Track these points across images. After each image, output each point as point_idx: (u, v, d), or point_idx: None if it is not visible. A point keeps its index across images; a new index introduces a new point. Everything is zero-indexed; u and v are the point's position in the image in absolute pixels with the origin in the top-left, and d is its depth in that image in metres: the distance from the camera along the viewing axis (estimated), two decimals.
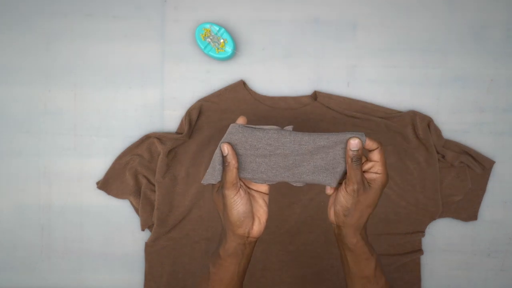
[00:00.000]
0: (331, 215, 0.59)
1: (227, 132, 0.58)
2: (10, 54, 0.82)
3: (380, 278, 0.59)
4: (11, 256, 0.83)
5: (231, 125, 0.58)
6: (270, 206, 0.80)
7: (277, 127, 0.59)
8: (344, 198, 0.56)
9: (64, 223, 0.82)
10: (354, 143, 0.55)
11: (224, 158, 0.57)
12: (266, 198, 0.61)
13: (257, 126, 0.59)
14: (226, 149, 0.56)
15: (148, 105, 0.82)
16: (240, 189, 0.57)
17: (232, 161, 0.56)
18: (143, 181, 0.80)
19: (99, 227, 0.82)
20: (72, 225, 0.82)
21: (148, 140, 0.80)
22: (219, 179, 0.58)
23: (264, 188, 0.61)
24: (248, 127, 0.58)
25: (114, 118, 0.82)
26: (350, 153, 0.55)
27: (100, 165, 0.82)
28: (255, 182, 0.60)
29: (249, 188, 0.60)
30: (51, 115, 0.82)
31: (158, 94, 0.82)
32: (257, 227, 0.58)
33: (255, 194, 0.60)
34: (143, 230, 0.81)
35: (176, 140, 0.79)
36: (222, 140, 0.58)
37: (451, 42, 0.82)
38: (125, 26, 0.82)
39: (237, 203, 0.56)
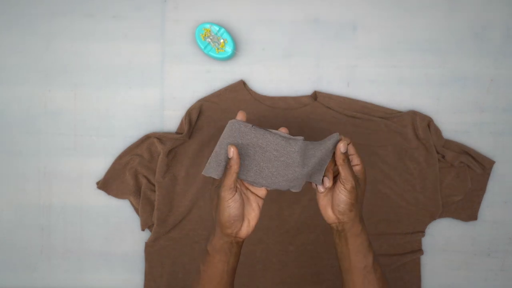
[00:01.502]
0: (330, 217, 0.60)
1: (238, 130, 0.57)
2: (10, 54, 0.82)
3: (378, 268, 0.61)
4: (11, 256, 0.83)
5: (243, 123, 0.58)
6: (271, 206, 0.80)
7: (287, 134, 0.59)
8: (346, 196, 0.58)
9: (64, 223, 0.82)
10: (344, 145, 0.58)
11: (228, 159, 0.57)
12: (261, 202, 0.61)
13: (272, 130, 0.59)
14: (232, 152, 0.56)
15: (148, 105, 0.82)
16: (236, 193, 0.57)
17: (234, 166, 0.56)
18: (143, 181, 0.80)
19: (99, 227, 0.82)
20: (72, 225, 0.82)
21: (148, 140, 0.80)
22: (221, 175, 0.58)
23: (262, 192, 0.61)
24: (261, 129, 0.58)
25: (114, 118, 0.82)
26: (342, 155, 0.58)
27: (100, 165, 0.82)
28: (255, 185, 0.60)
29: (246, 189, 0.61)
30: (51, 115, 0.82)
31: (158, 94, 0.82)
32: (245, 229, 0.59)
33: (251, 196, 0.60)
34: (143, 230, 0.81)
35: (176, 140, 0.79)
36: (234, 139, 0.57)
37: (451, 42, 0.82)
38: (125, 26, 0.82)
39: (230, 207, 0.57)
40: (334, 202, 0.59)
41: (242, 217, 0.58)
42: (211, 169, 0.58)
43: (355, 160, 0.61)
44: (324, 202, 0.61)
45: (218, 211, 0.57)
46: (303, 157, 0.58)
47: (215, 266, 0.59)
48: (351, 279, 0.60)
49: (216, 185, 0.59)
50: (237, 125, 0.58)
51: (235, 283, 0.62)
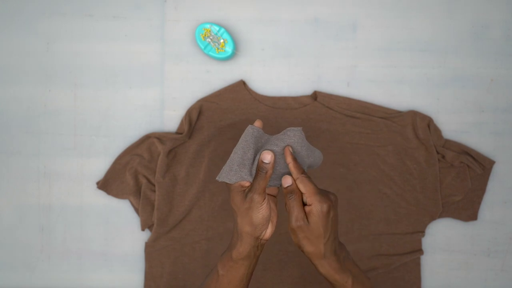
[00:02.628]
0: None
1: (250, 135, 0.59)
2: (10, 54, 0.82)
3: None
4: (11, 256, 0.82)
5: (258, 130, 0.59)
6: None
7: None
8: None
9: (64, 223, 0.82)
10: (287, 181, 0.59)
11: (262, 164, 0.58)
12: (275, 201, 0.62)
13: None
14: (270, 158, 0.58)
15: (148, 105, 0.82)
16: (267, 195, 0.59)
17: (269, 171, 0.58)
18: (143, 181, 0.80)
19: (99, 227, 0.82)
20: (72, 225, 0.82)
21: (148, 140, 0.80)
22: (234, 180, 0.58)
23: (274, 191, 0.62)
24: (272, 136, 0.60)
25: (114, 118, 0.82)
26: (286, 190, 0.59)
27: (100, 165, 0.82)
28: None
29: None
30: (51, 115, 0.82)
31: (158, 94, 0.82)
32: (270, 229, 0.60)
33: (268, 197, 0.61)
34: (143, 230, 0.81)
35: (176, 140, 0.79)
36: (246, 143, 0.59)
37: (451, 42, 0.82)
38: (125, 26, 0.82)
39: (263, 208, 0.58)
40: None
41: (270, 218, 0.59)
42: (224, 174, 0.59)
43: (307, 199, 0.58)
44: None
45: (251, 214, 0.58)
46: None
47: (237, 270, 0.60)
48: None
49: (238, 189, 0.59)
50: (251, 130, 0.59)
51: None
